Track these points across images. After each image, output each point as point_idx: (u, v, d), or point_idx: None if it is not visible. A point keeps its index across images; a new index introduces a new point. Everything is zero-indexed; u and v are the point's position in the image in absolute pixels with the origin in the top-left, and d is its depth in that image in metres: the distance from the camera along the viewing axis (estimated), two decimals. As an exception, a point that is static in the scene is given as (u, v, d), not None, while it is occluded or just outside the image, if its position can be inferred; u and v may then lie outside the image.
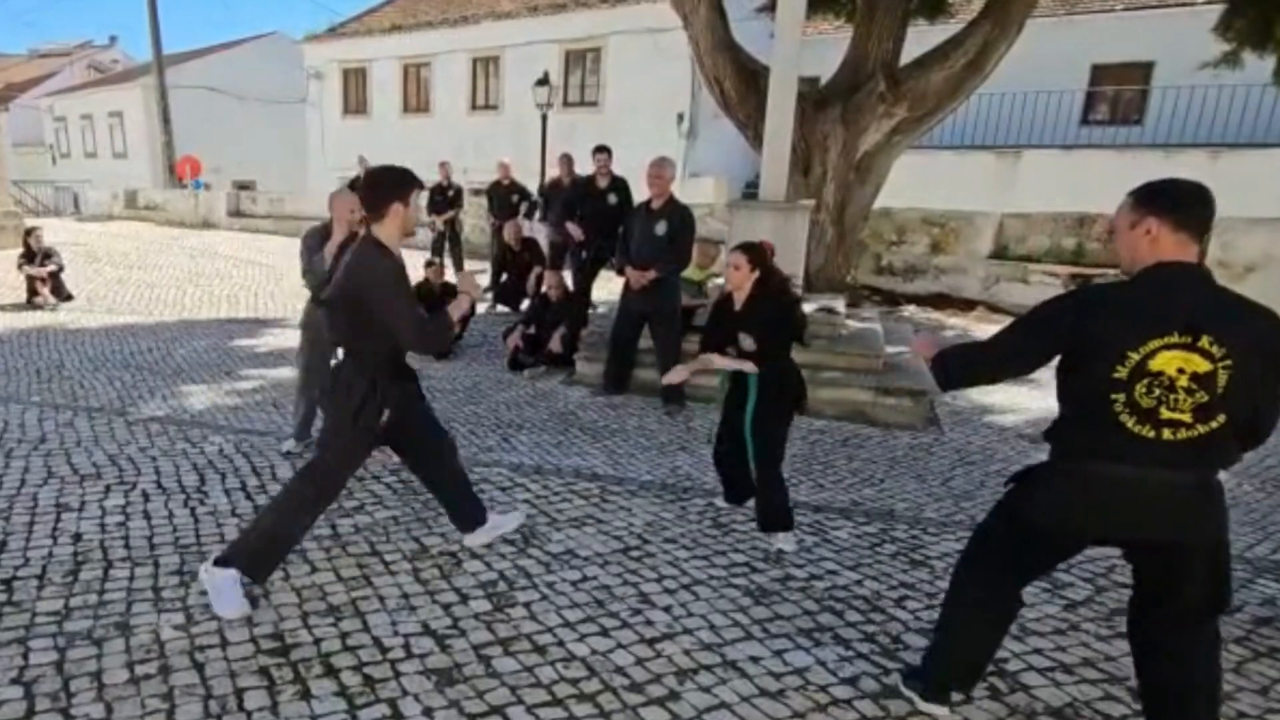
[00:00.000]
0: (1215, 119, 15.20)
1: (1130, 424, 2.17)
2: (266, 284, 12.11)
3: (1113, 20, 16.89)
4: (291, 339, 8.43)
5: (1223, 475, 5.38)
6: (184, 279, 12.57)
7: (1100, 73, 17.39)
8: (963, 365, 2.54)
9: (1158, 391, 2.13)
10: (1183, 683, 2.37)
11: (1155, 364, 2.12)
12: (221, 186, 24.96)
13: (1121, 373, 2.15)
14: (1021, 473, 2.54)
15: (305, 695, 2.67)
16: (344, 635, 3.02)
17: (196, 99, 28.82)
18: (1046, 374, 7.82)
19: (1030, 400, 7.14)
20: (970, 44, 8.87)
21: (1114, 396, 2.17)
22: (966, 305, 11.56)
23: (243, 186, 25.40)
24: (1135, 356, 2.13)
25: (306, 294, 4.81)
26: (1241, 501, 4.91)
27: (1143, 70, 16.83)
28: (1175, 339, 2.10)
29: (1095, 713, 2.73)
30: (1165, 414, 2.14)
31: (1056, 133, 17.06)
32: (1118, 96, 17.43)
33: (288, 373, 7.15)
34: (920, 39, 9.70)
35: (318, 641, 2.98)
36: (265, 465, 4.74)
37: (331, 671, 2.80)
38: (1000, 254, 11.93)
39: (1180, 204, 2.22)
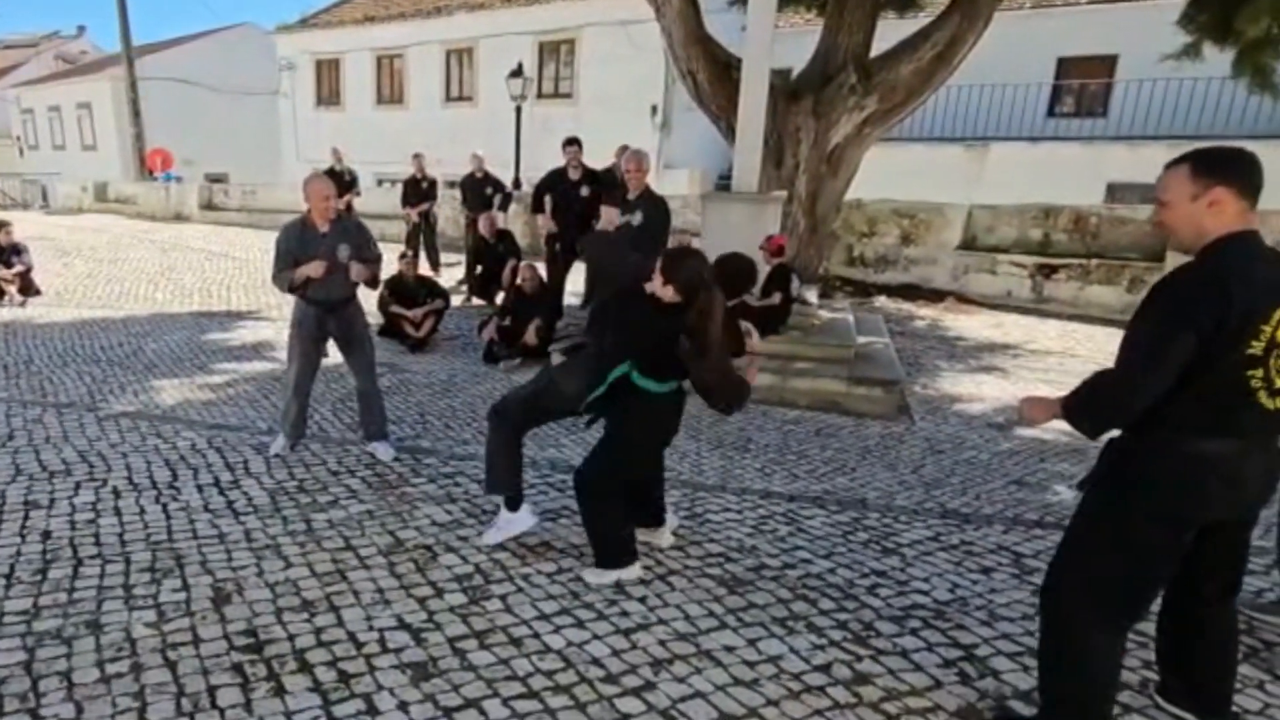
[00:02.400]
0: (1176, 112, 15.40)
1: (1264, 399, 2.08)
2: (240, 277, 11.93)
3: (1078, 14, 17.02)
4: (265, 332, 8.36)
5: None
6: (155, 273, 12.36)
7: (1066, 66, 17.52)
8: (1108, 396, 2.20)
9: None
10: (1227, 660, 2.42)
11: None
12: (193, 179, 24.54)
13: (1257, 348, 2.04)
14: (1104, 473, 2.31)
15: (279, 692, 2.64)
16: (318, 630, 2.99)
17: (167, 90, 28.33)
18: (1010, 362, 7.82)
19: (997, 389, 7.21)
20: (939, 37, 8.89)
21: (1251, 373, 2.06)
22: (936, 296, 11.64)
23: (215, 179, 24.98)
24: (1268, 330, 2.04)
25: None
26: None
27: (1107, 63, 16.98)
28: None
29: (1062, 696, 2.75)
30: None
31: (1024, 125, 17.20)
32: (1083, 89, 17.58)
33: (262, 366, 7.06)
34: (890, 32, 9.72)
35: (292, 637, 2.94)
36: (239, 460, 4.68)
37: (306, 667, 2.77)
38: (969, 245, 12.01)
39: (1245, 171, 2.12)
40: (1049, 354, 8.72)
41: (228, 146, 29.22)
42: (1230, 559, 2.36)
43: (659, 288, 3.14)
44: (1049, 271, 11.24)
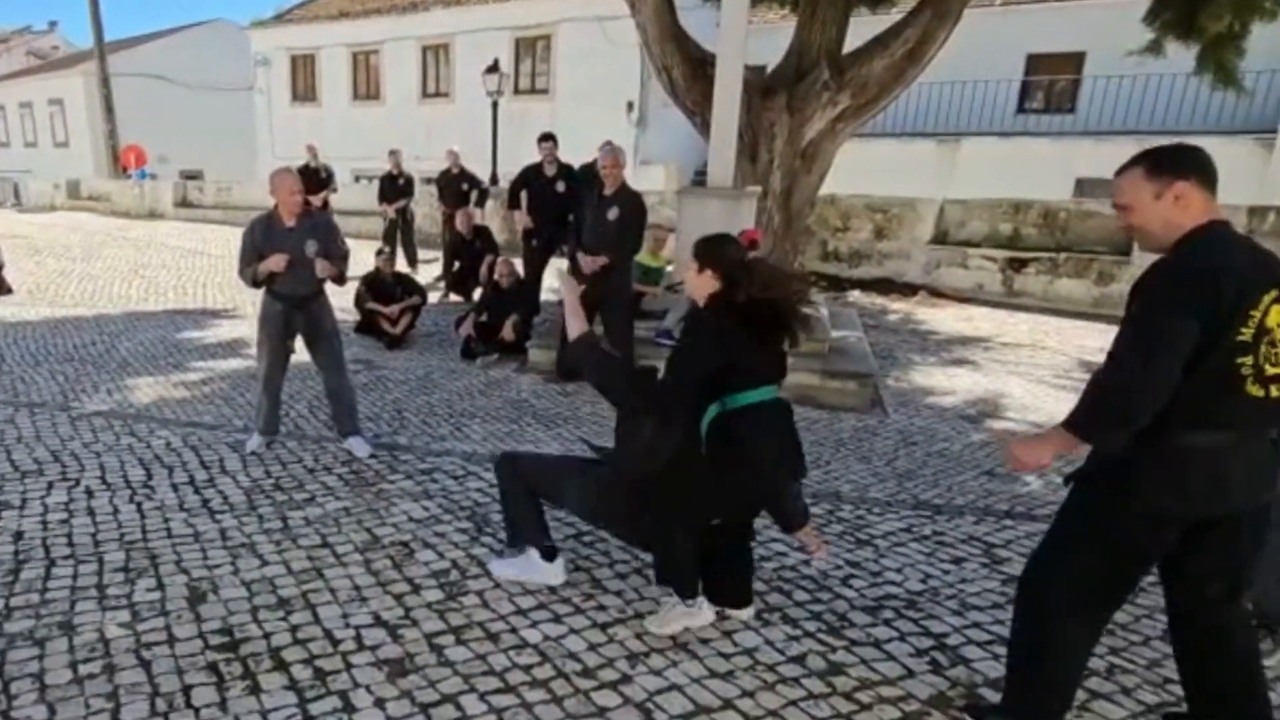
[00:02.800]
0: (1142, 108, 15.59)
1: (1251, 387, 2.03)
2: (214, 275, 11.78)
3: (1046, 11, 17.16)
4: (241, 329, 8.26)
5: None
6: (129, 271, 12.18)
7: (1035, 62, 17.69)
8: (1123, 398, 2.07)
9: (1277, 349, 2.03)
10: (1249, 670, 2.30)
11: (1270, 320, 2.02)
12: (168, 176, 24.21)
13: (1246, 334, 2.00)
14: (1092, 469, 2.25)
15: (255, 690, 2.61)
16: (294, 628, 2.96)
17: (141, 86, 27.91)
18: (981, 355, 7.87)
19: (969, 382, 7.27)
20: (910, 33, 8.92)
21: (1240, 360, 2.02)
22: (909, 290, 11.71)
23: (190, 176, 24.66)
24: (1256, 315, 2.01)
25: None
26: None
27: (1074, 60, 17.16)
28: (1276, 293, 2.02)
29: (1031, 682, 2.78)
30: (1270, 370, 2.04)
31: (994, 121, 17.36)
32: (1051, 85, 17.76)
33: (237, 364, 6.98)
34: (864, 28, 9.74)
35: (267, 635, 2.91)
36: (214, 459, 4.62)
37: (282, 665, 2.74)
38: (941, 239, 12.09)
39: (1200, 163, 2.13)
40: (1020, 347, 8.80)
41: (203, 143, 28.79)
42: (1230, 557, 2.23)
43: (697, 279, 2.84)
44: (1019, 265, 11.34)
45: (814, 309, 8.35)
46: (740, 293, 2.73)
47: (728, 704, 2.62)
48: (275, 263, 4.42)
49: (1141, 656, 2.97)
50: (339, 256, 4.68)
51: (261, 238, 4.53)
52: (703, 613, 3.03)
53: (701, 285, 2.84)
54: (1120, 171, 2.24)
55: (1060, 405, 6.57)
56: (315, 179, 11.52)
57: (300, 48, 24.37)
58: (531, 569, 3.33)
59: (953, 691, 2.73)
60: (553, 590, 3.28)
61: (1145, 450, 2.12)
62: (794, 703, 2.63)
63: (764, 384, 2.81)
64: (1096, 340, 9.24)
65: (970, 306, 11.04)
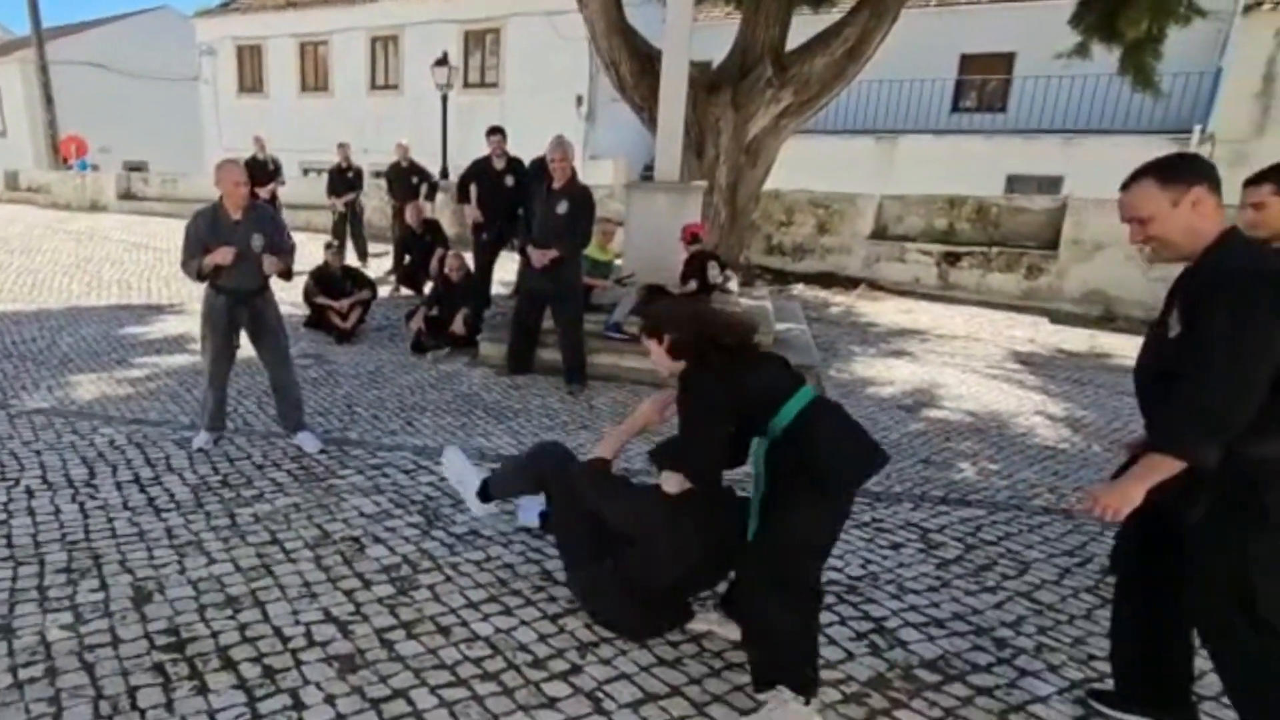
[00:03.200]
0: (1069, 107, 15.97)
1: None
2: (160, 269, 11.42)
3: (978, 12, 17.47)
4: (187, 325, 8.02)
5: (1075, 437, 5.61)
6: (71, 264, 11.75)
7: (968, 62, 17.98)
8: (1215, 408, 1.97)
9: None
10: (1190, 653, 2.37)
11: None
12: (111, 167, 23.36)
13: None
14: (1215, 502, 2.08)
15: (202, 690, 2.54)
16: (243, 627, 2.89)
17: (81, 75, 26.82)
18: (919, 346, 7.97)
19: (907, 373, 7.39)
20: (850, 31, 9.03)
21: None
22: (850, 283, 11.87)
23: (134, 168, 23.83)
24: None
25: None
26: (1092, 461, 5.20)
27: (1005, 60, 17.50)
28: None
29: (965, 663, 2.85)
30: None
31: (930, 118, 17.63)
32: (984, 85, 18.08)
33: (183, 360, 6.78)
34: (806, 27, 9.82)
35: (215, 634, 2.84)
36: (160, 456, 4.48)
37: (230, 664, 2.68)
38: (880, 234, 12.26)
39: (1208, 168, 2.10)
40: (954, 338, 8.98)
41: (147, 134, 27.81)
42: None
43: (655, 350, 2.69)
44: (954, 259, 11.56)
45: (759, 300, 8.42)
46: (702, 343, 2.58)
47: (675, 690, 2.63)
48: (222, 256, 4.30)
49: (1067, 635, 3.06)
50: (285, 251, 4.57)
51: (206, 231, 4.39)
52: (816, 716, 2.45)
53: (660, 355, 2.69)
54: (1127, 186, 2.19)
55: (992, 394, 6.73)
56: (263, 171, 11.22)
57: (246, 38, 23.70)
58: (467, 488, 3.50)
59: (891, 673, 2.78)
60: (503, 583, 3.26)
61: (1263, 466, 2.02)
62: (739, 688, 2.65)
63: (792, 392, 2.53)
64: (1025, 331, 9.49)
65: (908, 299, 11.23)
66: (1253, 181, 3.05)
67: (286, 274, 4.63)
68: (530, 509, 3.60)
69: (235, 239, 4.34)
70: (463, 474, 3.58)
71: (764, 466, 2.52)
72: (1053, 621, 3.15)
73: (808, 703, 2.41)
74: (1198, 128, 14.89)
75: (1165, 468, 2.03)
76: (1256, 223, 2.93)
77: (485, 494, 3.47)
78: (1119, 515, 2.08)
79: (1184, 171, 2.11)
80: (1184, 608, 2.25)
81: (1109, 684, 2.62)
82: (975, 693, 2.68)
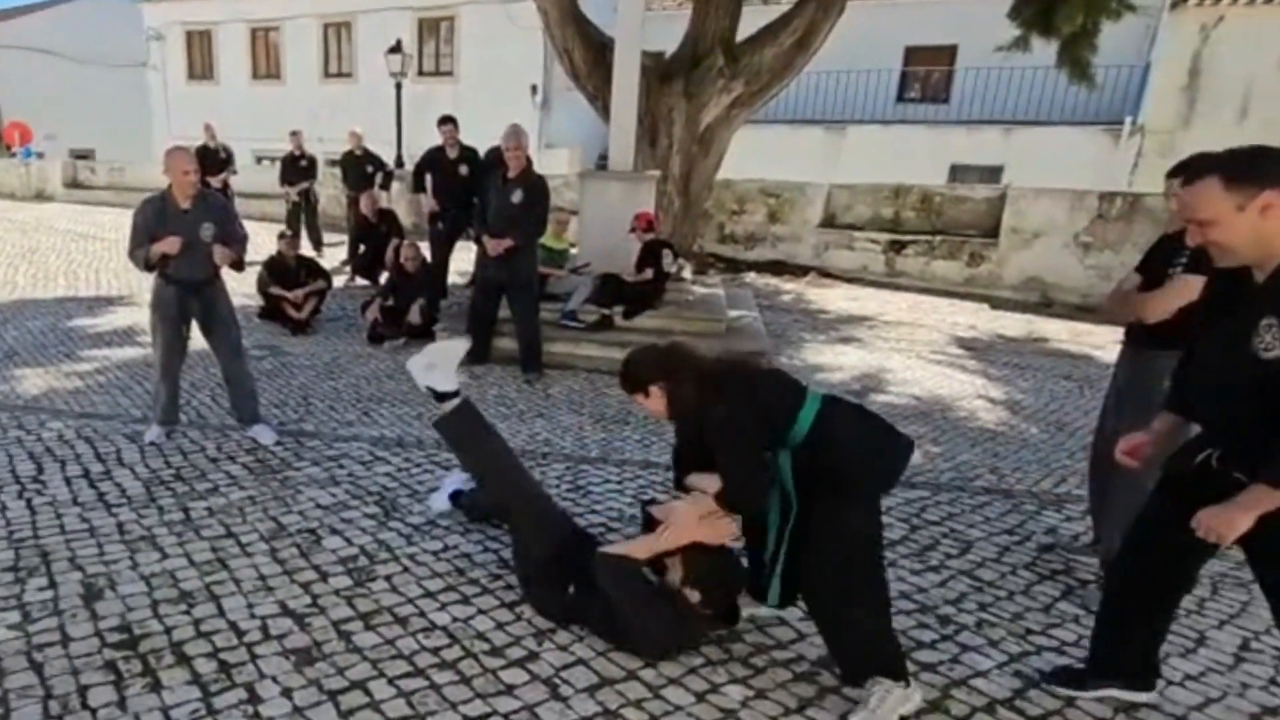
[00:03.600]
0: (1009, 99, 16.24)
1: None
2: (109, 260, 11.05)
3: (922, 5, 17.62)
4: (137, 316, 7.79)
5: (1014, 419, 5.70)
6: (15, 255, 11.31)
7: (912, 54, 18.18)
8: None
9: None
10: None
11: None
12: (56, 155, 22.53)
13: None
14: None
15: (155, 687, 2.48)
16: (197, 622, 2.83)
17: (24, 60, 25.80)
18: (866, 332, 8.02)
19: (855, 359, 7.47)
20: (798, 23, 9.06)
21: None
22: (801, 271, 11.94)
23: (81, 155, 23.01)
24: None
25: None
26: (1030, 443, 5.32)
27: (948, 53, 17.71)
28: None
29: (909, 639, 2.89)
30: None
31: (877, 109, 17.80)
32: (928, 76, 18.30)
33: (134, 352, 6.58)
34: (755, 17, 9.81)
35: (169, 630, 2.77)
36: (110, 450, 4.36)
37: (184, 660, 2.62)
38: (829, 222, 12.34)
39: None
40: (900, 324, 9.11)
41: (94, 121, 26.83)
42: None
43: (648, 403, 2.61)
44: (900, 247, 11.69)
45: (712, 289, 8.45)
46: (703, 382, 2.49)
47: (631, 675, 2.64)
48: (169, 245, 4.16)
49: (1006, 611, 3.13)
50: (237, 241, 4.45)
51: (154, 219, 4.24)
52: (916, 692, 2.50)
53: (659, 407, 2.60)
54: (1189, 181, 2.01)
55: (936, 379, 6.84)
56: (214, 160, 10.92)
57: (196, 23, 22.99)
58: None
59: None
60: (460, 572, 3.24)
61: None
62: (694, 670, 2.66)
63: (802, 400, 2.46)
64: (967, 317, 9.66)
65: (857, 287, 11.35)
66: (1173, 173, 3.01)
67: (239, 264, 4.51)
68: (442, 497, 3.68)
69: (184, 228, 4.21)
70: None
71: (791, 480, 2.47)
72: (993, 598, 3.22)
73: (907, 685, 2.46)
74: (1129, 119, 15.26)
75: (1273, 503, 1.94)
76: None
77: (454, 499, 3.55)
78: (1224, 541, 2.03)
79: (1255, 172, 1.90)
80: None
81: (1052, 662, 2.71)
82: (920, 668, 2.72)
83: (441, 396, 3.33)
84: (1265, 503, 1.93)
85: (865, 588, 2.44)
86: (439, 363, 3.37)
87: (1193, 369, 2.25)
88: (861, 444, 2.42)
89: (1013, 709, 2.55)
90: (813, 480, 2.42)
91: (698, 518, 2.67)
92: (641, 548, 2.73)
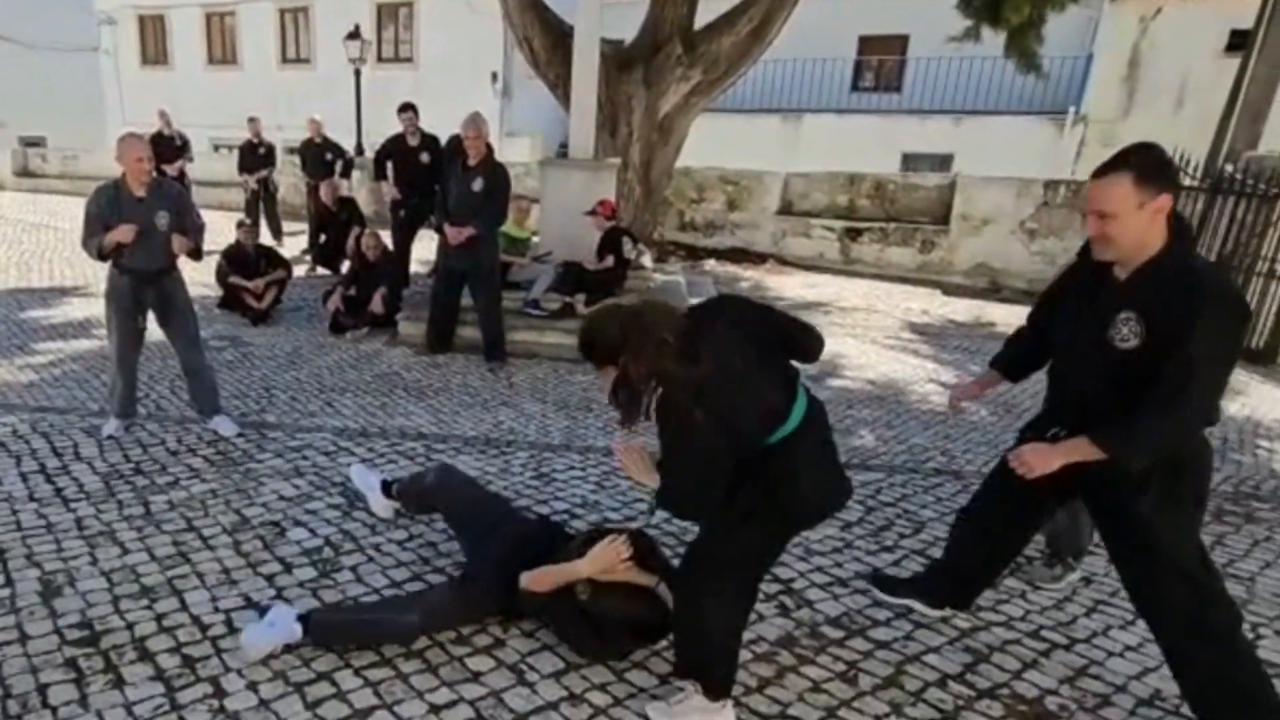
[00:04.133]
0: (960, 88, 16.42)
1: None
2: (62, 249, 10.71)
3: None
4: (93, 308, 7.56)
5: (971, 404, 5.81)
6: (-35, 244, 10.93)
7: (866, 43, 18.24)
8: (1179, 436, 2.10)
9: None
10: None
11: None
12: (5, 143, 21.69)
13: None
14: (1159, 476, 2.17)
15: (118, 683, 2.43)
16: (160, 617, 2.77)
17: (-32, 45, 24.74)
18: (823, 318, 8.01)
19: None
20: (754, 11, 9.06)
21: None
22: (759, 258, 11.98)
23: (31, 143, 22.19)
24: None
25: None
26: (980, 425, 5.42)
27: (900, 42, 17.82)
28: None
29: (865, 619, 2.95)
30: None
31: (832, 98, 17.86)
32: (881, 66, 18.40)
33: (90, 344, 6.39)
34: (714, 4, 9.74)
35: (130, 626, 2.71)
36: (67, 445, 4.23)
37: (147, 655, 2.57)
38: (786, 210, 12.40)
39: (1176, 175, 1.99)
40: (855, 310, 9.20)
41: (44, 107, 25.75)
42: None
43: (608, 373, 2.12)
44: (855, 235, 11.80)
45: (672, 276, 8.45)
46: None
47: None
48: (123, 234, 4.03)
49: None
50: (194, 230, 4.33)
51: (107, 208, 4.09)
52: (730, 716, 2.36)
53: (607, 375, 2.13)
54: (1102, 174, 2.02)
55: (889, 364, 6.93)
56: (169, 147, 10.60)
57: (148, 7, 22.24)
58: (370, 493, 3.57)
59: (798, 631, 2.86)
60: (426, 561, 3.21)
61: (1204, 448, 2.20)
62: (657, 653, 2.68)
63: (786, 416, 2.19)
64: (920, 303, 9.78)
65: (813, 274, 11.42)
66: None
67: (196, 254, 4.40)
68: (378, 496, 3.56)
69: (138, 216, 4.08)
70: (364, 479, 3.64)
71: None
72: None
73: (723, 706, 2.32)
74: (1072, 109, 15.53)
75: (1093, 454, 2.12)
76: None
77: (386, 489, 3.52)
78: (1032, 474, 2.24)
79: (1160, 175, 1.97)
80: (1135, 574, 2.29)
81: (1001, 637, 2.78)
82: (875, 646, 2.78)
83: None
84: (1078, 452, 2.14)
85: (731, 594, 2.26)
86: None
87: (1054, 353, 2.41)
88: (815, 478, 2.18)
89: (963, 682, 2.61)
90: (752, 482, 2.15)
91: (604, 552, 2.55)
92: (546, 579, 2.60)
